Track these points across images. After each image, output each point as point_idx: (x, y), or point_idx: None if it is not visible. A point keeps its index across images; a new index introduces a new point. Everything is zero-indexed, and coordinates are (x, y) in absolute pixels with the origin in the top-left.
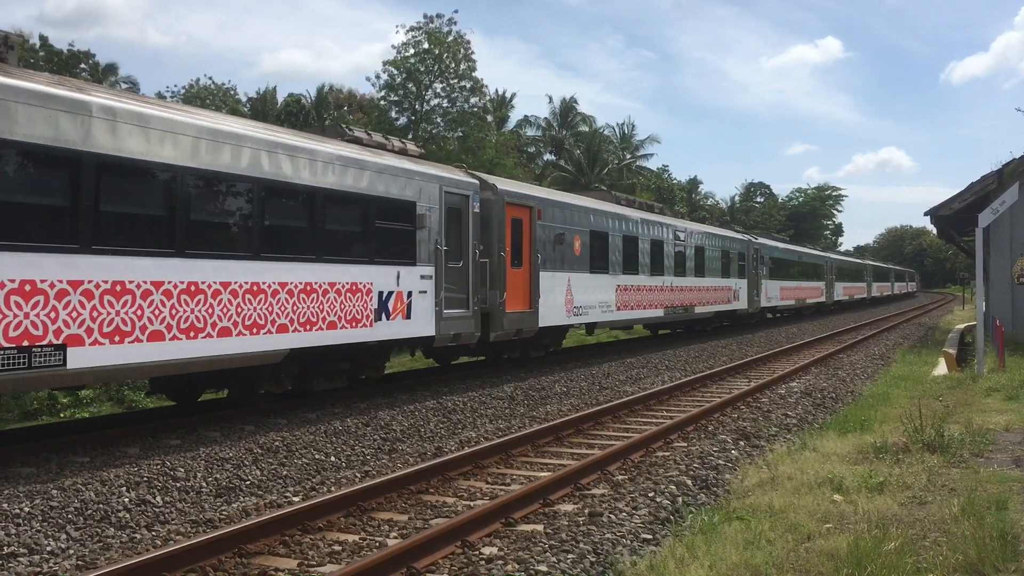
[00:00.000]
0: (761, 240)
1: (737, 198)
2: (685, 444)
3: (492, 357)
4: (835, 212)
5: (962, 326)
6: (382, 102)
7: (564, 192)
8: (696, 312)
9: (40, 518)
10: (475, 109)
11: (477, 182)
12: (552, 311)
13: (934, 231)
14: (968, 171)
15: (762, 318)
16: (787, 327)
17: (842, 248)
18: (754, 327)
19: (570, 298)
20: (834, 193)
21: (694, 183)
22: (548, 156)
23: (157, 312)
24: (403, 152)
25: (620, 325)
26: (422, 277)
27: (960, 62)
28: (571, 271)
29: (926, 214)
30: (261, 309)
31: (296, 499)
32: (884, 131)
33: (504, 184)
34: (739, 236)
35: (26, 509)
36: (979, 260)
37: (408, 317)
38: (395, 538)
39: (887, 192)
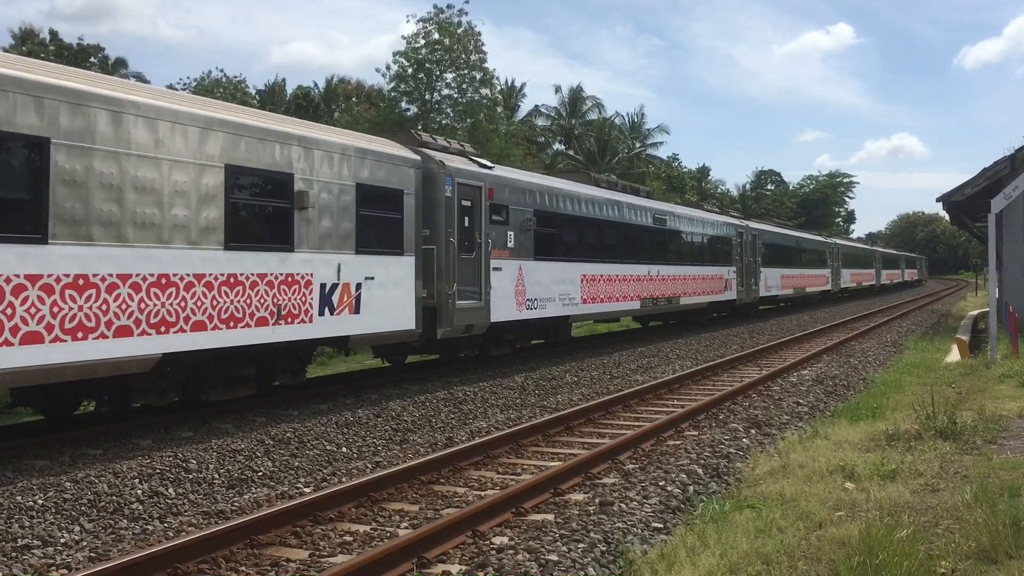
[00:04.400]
0: (758, 225)
1: (748, 186)
2: (696, 433)
3: (446, 355)
4: (847, 199)
5: (975, 312)
6: (392, 93)
7: (521, 170)
8: (681, 303)
9: (54, 510)
10: (485, 100)
11: (418, 157)
12: (504, 304)
13: (946, 217)
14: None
15: (763, 308)
16: (798, 315)
17: (854, 235)
18: (764, 315)
19: (521, 289)
20: (846, 180)
21: (704, 171)
22: (558, 146)
23: None
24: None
25: (586, 319)
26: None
27: (973, 47)
28: (525, 259)
29: (938, 200)
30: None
31: (307, 490)
32: (896, 117)
33: (453, 160)
34: (732, 220)
35: (40, 501)
36: (991, 246)
37: (325, 314)
38: (406, 528)
39: (899, 178)
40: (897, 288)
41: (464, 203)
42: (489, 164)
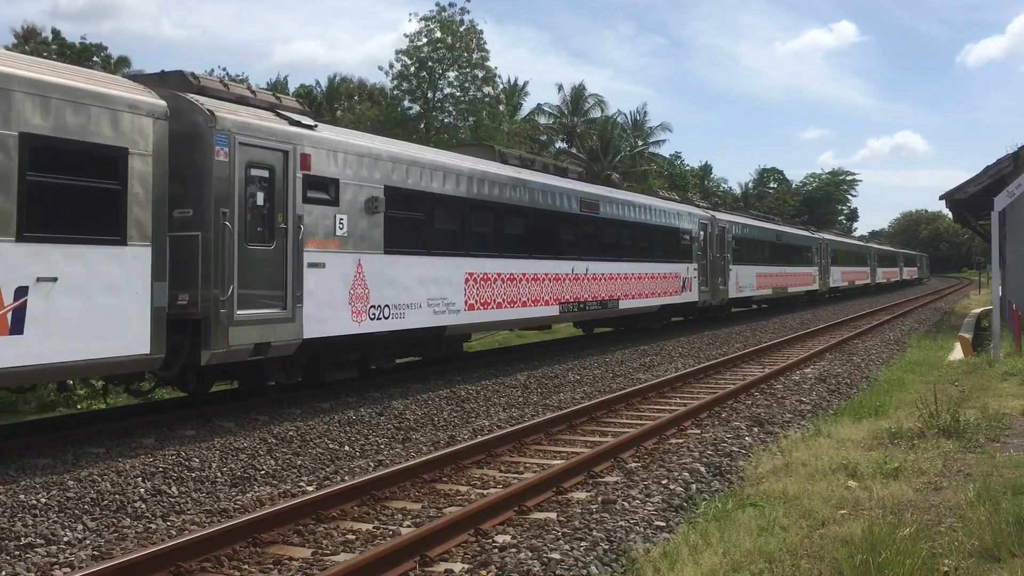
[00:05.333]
0: (727, 216)
1: (750, 184)
2: (698, 431)
3: (237, 387)
4: (850, 197)
5: (978, 310)
6: (394, 92)
7: (366, 134)
8: (621, 308)
9: (57, 509)
10: (487, 98)
11: (159, 102)
12: (329, 314)
13: (950, 215)
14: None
15: (737, 311)
16: (801, 314)
17: (857, 233)
18: (766, 313)
19: (361, 293)
20: (848, 178)
21: (706, 169)
22: (560, 144)
23: None
24: None
25: (477, 330)
26: None
27: (976, 44)
28: (368, 251)
29: (941, 198)
30: None
31: (310, 488)
32: (899, 115)
33: (237, 113)
34: (694, 210)
35: (43, 500)
36: (995, 244)
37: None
38: (408, 527)
39: (902, 176)
40: (894, 288)
41: (255, 173)
42: (309, 122)
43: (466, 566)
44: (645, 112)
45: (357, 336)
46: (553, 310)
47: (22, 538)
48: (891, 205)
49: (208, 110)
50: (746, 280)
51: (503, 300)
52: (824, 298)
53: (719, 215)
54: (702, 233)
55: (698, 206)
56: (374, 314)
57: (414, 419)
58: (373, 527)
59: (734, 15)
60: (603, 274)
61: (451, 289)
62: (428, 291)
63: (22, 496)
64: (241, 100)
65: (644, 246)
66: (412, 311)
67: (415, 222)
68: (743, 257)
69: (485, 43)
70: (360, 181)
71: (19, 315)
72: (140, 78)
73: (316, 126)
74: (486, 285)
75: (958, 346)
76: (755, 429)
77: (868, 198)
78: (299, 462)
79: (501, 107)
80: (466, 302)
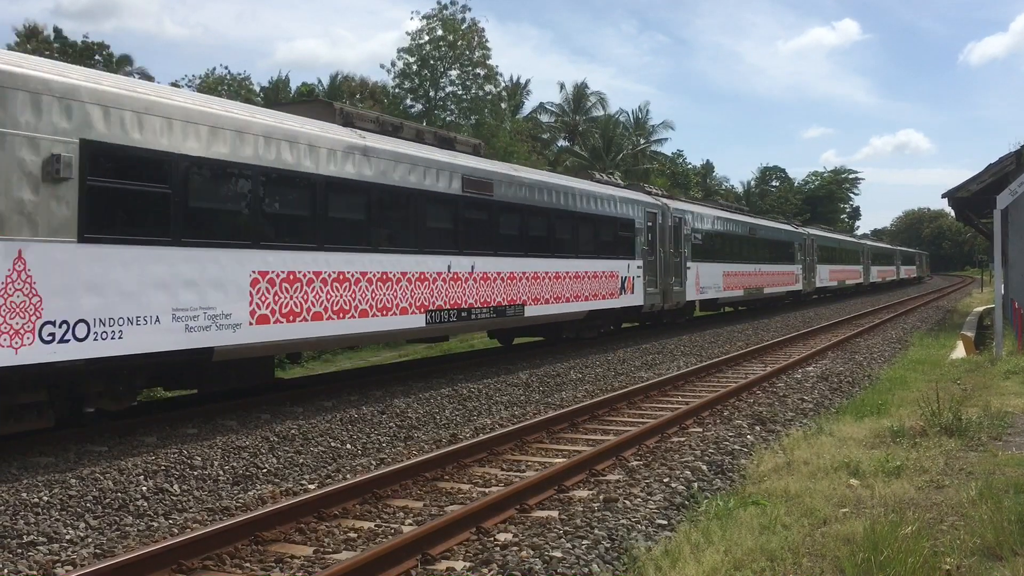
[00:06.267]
0: (685, 205)
1: (753, 183)
2: (700, 429)
3: None
4: (852, 195)
5: (980, 309)
6: (396, 90)
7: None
8: (528, 315)
9: (59, 507)
10: (489, 96)
11: None
12: None
13: (952, 214)
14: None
15: (704, 314)
16: (803, 311)
17: (859, 231)
18: (770, 312)
19: (24, 304)
20: (851, 176)
21: (709, 168)
22: (562, 142)
23: None
24: None
25: (274, 351)
26: None
27: (979, 42)
28: (35, 239)
29: (944, 196)
30: None
31: (312, 487)
32: (902, 113)
33: None
34: (640, 197)
35: (45, 498)
36: (997, 242)
37: None
38: (410, 525)
39: (905, 175)
40: (891, 288)
41: None
42: None
43: (468, 564)
44: (647, 110)
45: (14, 369)
46: (415, 320)
47: (24, 536)
48: (894, 203)
49: None
50: (710, 279)
51: (327, 308)
52: (811, 299)
53: (675, 203)
54: (650, 224)
55: (648, 192)
56: (52, 335)
57: (416, 417)
58: (375, 525)
59: (736, 13)
60: (500, 273)
61: (223, 295)
62: (176, 298)
63: (24, 494)
64: None
65: (564, 239)
66: (138, 328)
67: (149, 197)
68: (707, 253)
69: (487, 41)
70: (25, 130)
71: None
72: None
73: None
74: (292, 288)
75: (960, 344)
76: (757, 427)
77: (871, 196)
78: (301, 460)
79: (503, 105)
80: (253, 312)
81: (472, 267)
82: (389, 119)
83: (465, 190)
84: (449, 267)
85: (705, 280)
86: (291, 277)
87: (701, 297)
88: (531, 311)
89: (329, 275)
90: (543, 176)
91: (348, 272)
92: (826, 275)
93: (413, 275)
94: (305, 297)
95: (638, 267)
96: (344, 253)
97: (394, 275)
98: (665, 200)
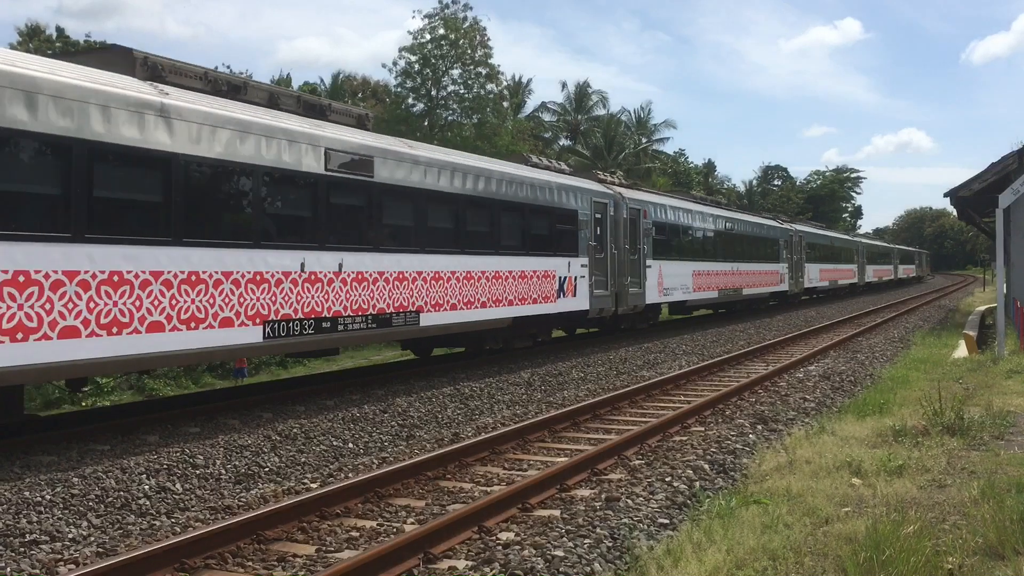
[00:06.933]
0: (643, 196)
1: (754, 181)
2: (702, 428)
3: None
4: (854, 194)
5: (982, 308)
6: (398, 89)
7: None
8: (423, 324)
9: (61, 505)
10: (491, 95)
11: None
12: None
13: (954, 213)
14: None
15: (669, 318)
16: (804, 310)
17: (861, 230)
18: (772, 310)
19: None
20: (853, 175)
21: (710, 166)
22: (564, 141)
23: None
24: None
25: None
26: None
27: (981, 41)
28: None
29: (946, 195)
30: None
31: (314, 485)
32: (904, 112)
33: None
34: (586, 184)
35: (47, 497)
36: (999, 241)
37: None
38: (412, 524)
39: (907, 174)
40: (889, 288)
41: None
42: None
43: (470, 563)
44: (649, 109)
45: None
46: (243, 335)
47: (27, 535)
48: (896, 202)
49: None
50: (676, 280)
51: (92, 322)
52: (798, 301)
53: (632, 193)
54: (599, 216)
55: (601, 180)
56: None
57: (418, 416)
58: (377, 524)
59: (738, 12)
60: (383, 273)
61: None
62: None
63: (27, 493)
64: None
65: (480, 232)
66: None
67: None
68: (673, 250)
69: (489, 39)
70: None
71: None
72: None
73: None
74: (24, 296)
75: (962, 344)
76: (759, 427)
77: (873, 195)
78: (303, 459)
79: (505, 104)
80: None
81: (340, 265)
82: (227, 76)
83: (330, 168)
84: (303, 265)
85: (670, 280)
86: (24, 280)
87: (665, 300)
88: (429, 319)
89: (94, 276)
90: (450, 155)
91: (130, 272)
92: (816, 275)
93: (244, 276)
94: (47, 307)
95: (582, 266)
96: (123, 247)
97: (212, 276)
98: (619, 189)
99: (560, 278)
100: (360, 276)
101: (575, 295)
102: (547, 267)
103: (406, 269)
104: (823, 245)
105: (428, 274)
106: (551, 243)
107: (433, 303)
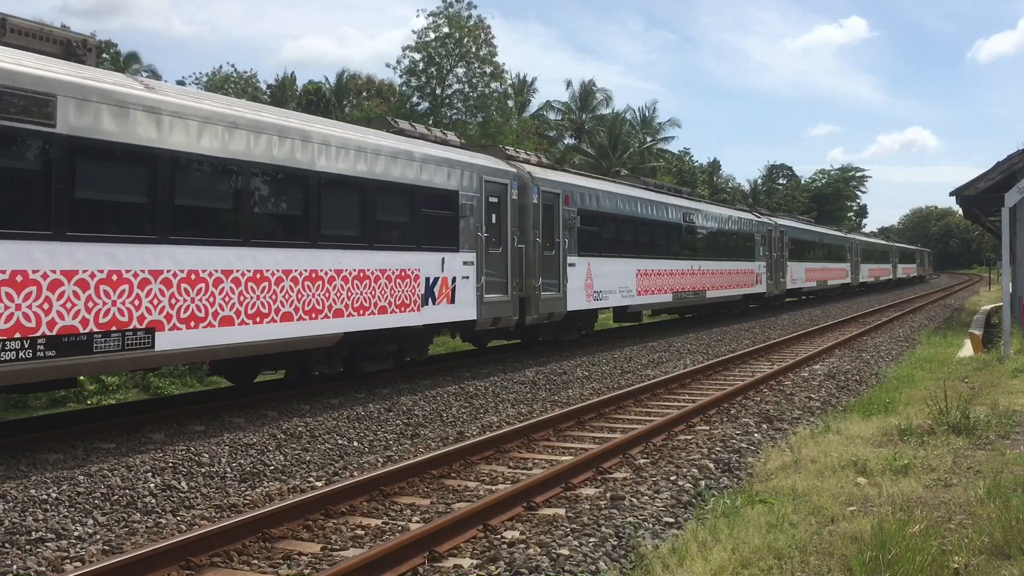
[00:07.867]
0: (561, 177)
1: (759, 180)
2: (707, 427)
3: None
4: (859, 193)
5: (988, 307)
6: (403, 87)
7: None
8: (160, 349)
9: (67, 504)
10: (496, 94)
11: None
12: None
13: (960, 212)
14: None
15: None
16: (809, 309)
17: (867, 229)
18: (776, 309)
19: None
20: (858, 174)
21: (715, 165)
22: (569, 140)
23: None
24: None
25: None
26: None
27: (987, 40)
28: None
29: (951, 194)
30: None
31: (319, 484)
32: (909, 111)
33: None
34: (466, 158)
35: (53, 495)
36: (1005, 240)
37: None
38: (417, 522)
39: (912, 172)
40: (887, 288)
41: None
42: None
43: (475, 562)
44: (654, 108)
45: None
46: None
47: (33, 533)
48: (901, 201)
49: None
50: (613, 281)
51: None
52: (782, 303)
53: (545, 173)
54: (495, 200)
55: (510, 157)
56: None
57: (423, 415)
58: (382, 522)
59: (743, 10)
60: (255, 272)
61: None
62: None
63: (33, 491)
64: None
65: (282, 215)
66: None
67: None
68: (606, 245)
69: (493, 38)
70: None
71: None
72: None
73: None
74: None
75: (968, 343)
76: (764, 426)
77: (878, 194)
78: (308, 458)
79: (510, 103)
80: None
81: (177, 264)
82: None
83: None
84: (149, 262)
85: (604, 282)
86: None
87: (596, 305)
88: (172, 340)
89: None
90: (232, 106)
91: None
92: (801, 274)
93: (136, 273)
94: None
95: (465, 263)
96: None
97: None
98: (530, 168)
99: (431, 280)
100: (24, 278)
101: (453, 301)
102: (405, 265)
103: (138, 268)
104: (810, 242)
105: (181, 275)
106: (413, 234)
107: (183, 317)
